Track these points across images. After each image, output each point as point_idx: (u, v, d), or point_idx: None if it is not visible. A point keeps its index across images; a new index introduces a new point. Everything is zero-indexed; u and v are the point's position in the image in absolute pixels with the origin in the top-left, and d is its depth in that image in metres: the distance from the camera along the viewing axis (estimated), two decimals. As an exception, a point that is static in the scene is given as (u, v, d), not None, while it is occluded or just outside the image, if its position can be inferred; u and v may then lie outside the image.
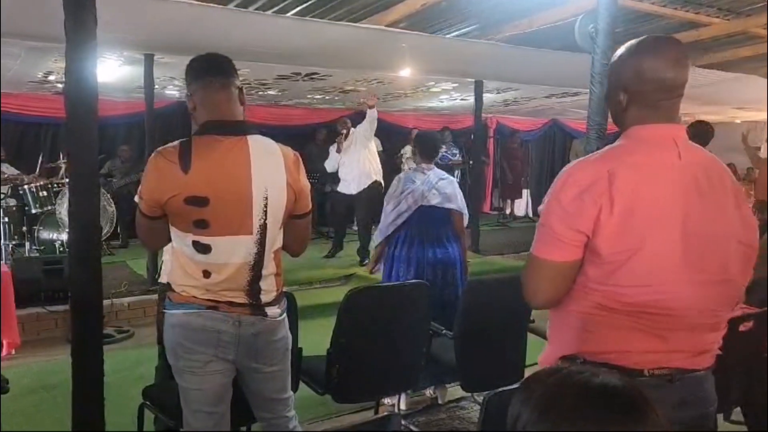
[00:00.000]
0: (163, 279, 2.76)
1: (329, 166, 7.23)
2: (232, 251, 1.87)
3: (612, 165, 1.41)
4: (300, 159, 2.00)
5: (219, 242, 1.85)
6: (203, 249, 1.85)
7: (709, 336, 1.49)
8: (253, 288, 1.92)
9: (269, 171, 1.89)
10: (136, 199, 2.58)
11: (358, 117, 9.63)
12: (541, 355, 1.61)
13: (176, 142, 1.86)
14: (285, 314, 2.05)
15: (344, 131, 6.85)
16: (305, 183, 2.01)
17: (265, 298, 1.95)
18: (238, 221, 1.86)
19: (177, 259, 1.93)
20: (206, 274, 1.87)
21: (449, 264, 3.59)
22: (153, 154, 1.88)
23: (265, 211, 1.88)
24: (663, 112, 1.47)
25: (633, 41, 1.51)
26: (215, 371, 1.93)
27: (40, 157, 6.82)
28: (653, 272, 1.40)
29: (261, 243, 1.90)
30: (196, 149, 1.83)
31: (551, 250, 1.43)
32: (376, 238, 3.76)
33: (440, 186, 3.56)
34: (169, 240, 1.96)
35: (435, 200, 3.53)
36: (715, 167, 1.49)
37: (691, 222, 1.40)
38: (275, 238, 1.95)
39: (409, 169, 3.73)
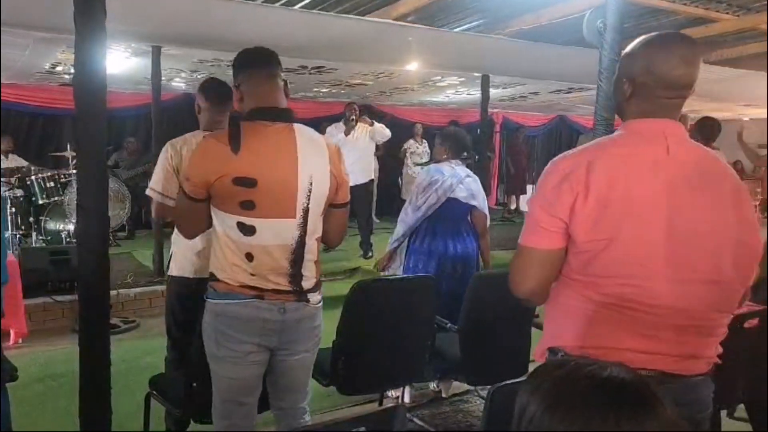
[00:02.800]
0: (172, 272, 2.75)
1: None
2: (276, 234, 1.92)
3: (593, 155, 1.43)
4: (341, 151, 2.08)
5: (264, 224, 1.90)
6: (248, 230, 1.90)
7: (699, 340, 1.44)
8: (296, 274, 1.97)
9: (314, 158, 1.96)
10: (150, 191, 2.64)
11: (364, 111, 9.67)
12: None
13: (225, 128, 1.92)
14: (322, 302, 2.11)
15: (353, 117, 6.80)
16: (346, 174, 2.09)
17: (306, 284, 2.00)
18: (283, 204, 1.91)
19: (219, 247, 1.96)
20: (249, 257, 1.91)
21: (468, 259, 3.59)
22: (203, 138, 1.97)
23: (309, 197, 1.94)
24: (663, 109, 1.46)
25: (649, 34, 1.51)
26: (254, 362, 1.99)
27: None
28: (628, 264, 1.39)
29: (303, 227, 1.96)
30: (245, 133, 1.88)
31: (535, 238, 1.45)
32: (399, 232, 3.65)
33: (467, 182, 3.58)
34: (209, 226, 2.01)
35: (461, 194, 3.53)
36: (712, 165, 1.46)
37: (678, 218, 1.38)
38: (316, 225, 2.01)
39: (436, 162, 3.68)
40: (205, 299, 2.02)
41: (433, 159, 3.80)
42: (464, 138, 3.78)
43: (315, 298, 2.05)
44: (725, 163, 1.52)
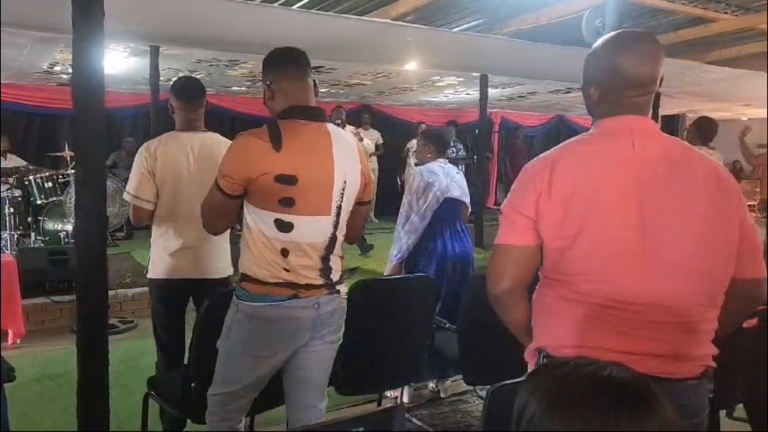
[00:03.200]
0: (150, 274, 2.76)
1: None
2: (312, 231, 1.96)
3: (559, 155, 1.46)
4: (366, 150, 2.15)
5: (301, 221, 1.93)
6: (286, 227, 1.92)
7: (682, 337, 1.40)
8: (326, 268, 2.01)
9: (347, 158, 2.01)
10: (126, 194, 2.67)
11: (363, 111, 9.69)
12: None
13: (264, 126, 1.94)
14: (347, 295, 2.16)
15: (338, 121, 6.80)
16: (371, 172, 2.16)
17: (334, 277, 2.05)
18: (320, 202, 1.95)
19: (252, 244, 1.96)
20: (285, 252, 1.93)
21: (466, 258, 3.60)
22: (241, 135, 1.96)
23: (342, 195, 1.99)
24: (632, 108, 1.46)
25: (608, 35, 1.52)
26: (277, 362, 2.02)
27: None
28: (595, 260, 1.39)
29: (336, 224, 2.00)
30: (284, 131, 1.91)
31: (507, 235, 1.48)
32: (408, 242, 3.50)
33: (458, 179, 3.62)
34: (234, 222, 2.05)
35: (456, 193, 3.56)
36: (681, 156, 1.44)
37: (647, 212, 1.37)
38: (345, 221, 2.05)
39: (422, 163, 3.67)
40: (235, 298, 2.01)
41: (419, 160, 3.76)
42: (447, 136, 3.84)
43: (343, 289, 2.11)
44: (699, 153, 1.50)
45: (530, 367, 1.56)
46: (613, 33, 1.55)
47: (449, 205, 3.53)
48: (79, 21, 2.19)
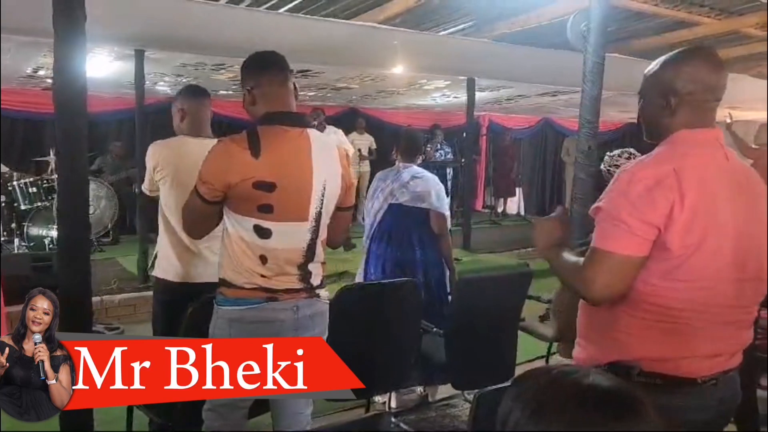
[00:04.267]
0: (156, 273, 2.71)
1: None
2: (290, 237, 1.96)
3: (676, 164, 1.47)
4: (349, 155, 2.07)
5: (279, 227, 1.93)
6: (264, 233, 1.92)
7: (745, 333, 1.57)
8: (305, 272, 2.01)
9: (328, 163, 2.01)
10: (142, 188, 2.63)
11: (351, 113, 9.68)
12: (576, 352, 1.63)
13: (243, 132, 1.94)
14: (329, 300, 2.15)
15: (315, 122, 6.76)
16: (354, 177, 2.14)
17: (314, 281, 2.04)
18: (298, 208, 1.96)
19: (231, 249, 1.96)
20: (263, 259, 1.94)
21: (413, 267, 3.40)
22: (220, 141, 1.98)
23: (322, 201, 1.99)
24: (710, 115, 1.55)
25: (674, 52, 1.60)
26: None
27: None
28: (709, 268, 1.46)
29: (315, 230, 2.00)
30: (263, 137, 1.91)
31: (621, 244, 1.45)
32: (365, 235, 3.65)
33: (412, 184, 3.38)
34: (215, 227, 2.04)
35: (403, 198, 3.38)
36: (749, 170, 1.60)
37: (740, 221, 1.48)
38: (325, 227, 2.05)
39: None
40: (216, 305, 2.01)
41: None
42: (415, 138, 3.63)
43: (324, 293, 2.10)
44: (753, 169, 1.65)
45: None
46: (678, 50, 1.62)
47: (398, 211, 3.39)
48: (60, 25, 2.17)
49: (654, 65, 1.60)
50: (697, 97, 1.53)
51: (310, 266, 2.02)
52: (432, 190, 3.39)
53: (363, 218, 3.72)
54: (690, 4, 6.58)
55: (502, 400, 0.85)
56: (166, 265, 2.65)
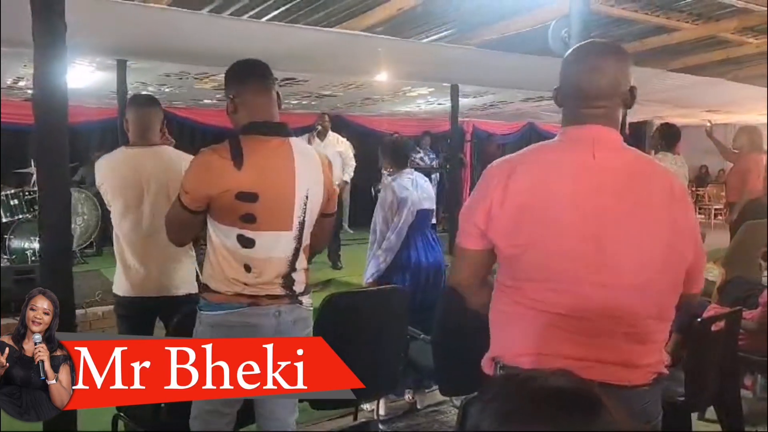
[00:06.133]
0: (114, 290, 2.72)
1: None
2: (274, 246, 1.96)
3: (520, 160, 1.47)
4: (331, 163, 2.15)
5: (263, 237, 1.93)
6: (247, 243, 1.93)
7: (632, 347, 1.39)
8: (288, 280, 2.01)
9: (310, 172, 2.01)
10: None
11: (336, 121, 9.67)
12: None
13: (225, 142, 1.93)
14: (312, 306, 2.14)
15: (319, 127, 6.77)
16: (335, 185, 2.17)
17: (297, 288, 2.04)
18: (281, 218, 1.96)
19: (214, 258, 1.97)
20: (247, 268, 1.94)
21: (438, 267, 3.56)
22: (202, 152, 1.96)
23: (305, 209, 1.99)
24: (596, 118, 1.43)
25: (578, 44, 1.58)
26: None
27: None
28: (549, 269, 1.39)
29: (298, 239, 2.01)
30: (245, 148, 1.90)
31: (461, 239, 1.54)
32: (383, 255, 3.42)
33: (427, 187, 3.59)
34: (198, 233, 2.05)
35: (427, 204, 3.53)
36: (643, 169, 1.44)
37: (602, 223, 1.36)
38: (308, 236, 2.06)
39: (390, 176, 3.58)
40: (198, 310, 2.01)
41: (386, 173, 3.64)
42: (403, 146, 3.70)
43: (307, 300, 2.09)
44: (662, 168, 1.53)
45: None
46: (582, 42, 1.59)
47: (421, 216, 3.51)
48: (40, 35, 2.15)
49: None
50: (569, 99, 1.47)
51: (294, 274, 2.02)
52: (433, 192, 3.69)
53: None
54: (669, 10, 6.67)
55: (468, 414, 0.85)
56: (120, 278, 2.67)
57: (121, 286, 2.66)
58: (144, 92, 7.07)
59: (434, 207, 3.68)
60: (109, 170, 2.62)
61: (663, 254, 1.39)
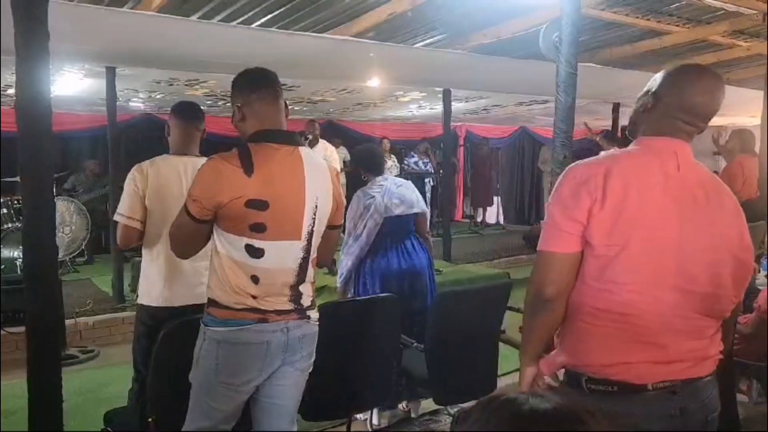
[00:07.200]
0: (142, 300, 2.65)
1: None
2: (283, 256, 1.93)
3: (610, 164, 1.51)
4: (339, 174, 2.09)
5: (272, 246, 1.90)
6: (256, 253, 1.89)
7: (700, 342, 1.52)
8: (295, 293, 1.98)
9: (319, 182, 1.99)
10: (117, 215, 2.56)
11: (327, 126, 9.65)
12: (551, 357, 1.63)
13: (234, 149, 1.89)
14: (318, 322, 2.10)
15: (310, 136, 6.73)
16: (343, 196, 2.14)
17: (305, 302, 2.01)
18: (291, 227, 1.93)
19: (221, 270, 1.91)
20: (255, 279, 1.90)
21: (416, 273, 3.49)
22: (212, 159, 1.92)
23: (314, 219, 1.97)
24: (676, 131, 1.54)
25: (684, 65, 1.64)
26: (249, 390, 1.97)
27: None
28: (638, 272, 1.46)
29: (307, 249, 1.98)
30: (255, 155, 1.88)
31: (554, 243, 1.52)
32: (346, 265, 3.49)
33: (400, 193, 3.47)
34: (204, 246, 1.99)
35: (398, 210, 3.43)
36: (715, 185, 1.57)
37: (684, 231, 1.47)
38: (316, 246, 2.03)
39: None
40: (203, 326, 1.95)
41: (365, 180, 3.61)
42: (374, 153, 3.69)
43: (314, 314, 2.06)
44: (724, 185, 1.63)
45: (547, 379, 1.61)
46: (696, 64, 1.67)
47: (390, 222, 3.42)
48: (22, 43, 2.11)
49: (667, 70, 1.64)
50: (670, 110, 1.54)
51: (301, 287, 1.99)
52: (415, 194, 3.56)
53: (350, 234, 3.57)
54: (660, 14, 6.67)
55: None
56: (150, 288, 2.60)
57: (152, 296, 2.58)
58: (135, 99, 7.04)
59: (419, 212, 3.53)
60: (154, 176, 2.56)
61: (732, 265, 1.52)
